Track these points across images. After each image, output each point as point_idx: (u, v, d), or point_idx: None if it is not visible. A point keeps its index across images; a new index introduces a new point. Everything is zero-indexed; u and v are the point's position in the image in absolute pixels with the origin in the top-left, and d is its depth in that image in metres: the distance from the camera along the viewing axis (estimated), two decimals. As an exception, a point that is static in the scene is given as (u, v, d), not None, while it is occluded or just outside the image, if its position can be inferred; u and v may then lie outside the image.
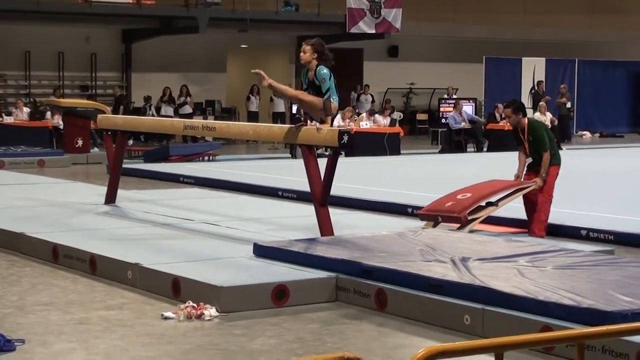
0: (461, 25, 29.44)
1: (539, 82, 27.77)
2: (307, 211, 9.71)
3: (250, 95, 26.92)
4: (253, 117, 26.26)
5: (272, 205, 11.96)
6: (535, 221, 9.78)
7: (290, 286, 7.09)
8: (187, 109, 24.99)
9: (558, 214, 10.15)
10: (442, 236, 8.58)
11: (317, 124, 8.70)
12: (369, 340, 6.31)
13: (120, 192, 11.61)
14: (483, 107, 27.27)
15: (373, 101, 28.25)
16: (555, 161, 9.93)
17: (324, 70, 8.56)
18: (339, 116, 21.11)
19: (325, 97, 8.58)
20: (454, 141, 22.98)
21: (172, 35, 26.01)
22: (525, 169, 9.99)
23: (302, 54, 8.67)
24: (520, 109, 9.99)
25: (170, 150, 19.84)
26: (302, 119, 8.81)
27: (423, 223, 10.02)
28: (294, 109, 23.49)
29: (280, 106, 25.82)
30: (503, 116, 23.43)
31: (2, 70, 25.04)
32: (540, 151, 9.80)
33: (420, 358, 3.19)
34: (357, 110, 24.06)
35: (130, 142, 21.40)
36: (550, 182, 9.83)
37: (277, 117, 25.43)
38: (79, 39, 25.72)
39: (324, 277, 7.29)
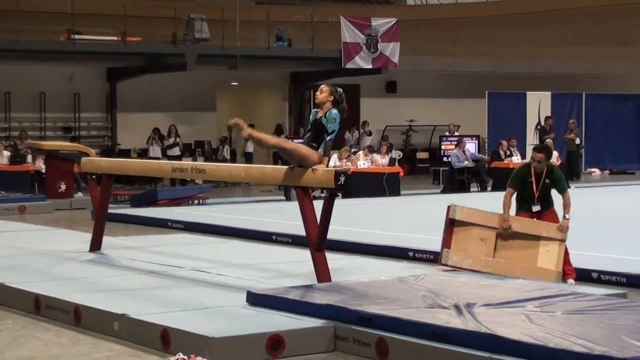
0: (462, 58, 29.58)
1: (547, 118, 27.80)
2: (303, 256, 9.70)
3: None
4: (247, 158, 26.32)
5: (265, 250, 11.94)
6: (565, 264, 9.82)
7: (285, 336, 7.07)
8: (176, 151, 25.03)
9: (567, 256, 10.15)
10: (445, 281, 8.57)
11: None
12: (370, 393, 6.28)
13: (106, 239, 11.60)
14: (486, 144, 27.34)
15: (370, 134, 28.30)
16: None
17: (335, 111, 8.76)
18: (335, 156, 21.14)
19: (329, 137, 8.71)
20: (457, 180, 23.01)
21: (159, 73, 26.12)
22: (519, 210, 10.11)
23: (318, 92, 8.90)
24: (550, 155, 10.23)
25: (158, 194, 19.83)
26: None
27: (424, 267, 10.05)
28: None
29: None
30: (508, 154, 23.68)
31: (-19, 112, 25.12)
32: (559, 193, 9.93)
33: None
34: (353, 150, 24.06)
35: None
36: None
37: (279, 158, 25.37)
38: (62, 78, 25.81)
39: (322, 326, 7.27)
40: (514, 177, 10.16)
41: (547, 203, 10.05)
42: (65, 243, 12.25)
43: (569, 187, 10.18)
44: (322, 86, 8.94)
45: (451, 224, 9.99)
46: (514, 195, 10.10)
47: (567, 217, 9.80)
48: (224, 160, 25.44)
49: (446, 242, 9.98)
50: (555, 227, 9.81)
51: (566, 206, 9.84)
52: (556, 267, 9.72)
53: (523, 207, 10.15)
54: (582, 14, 31.56)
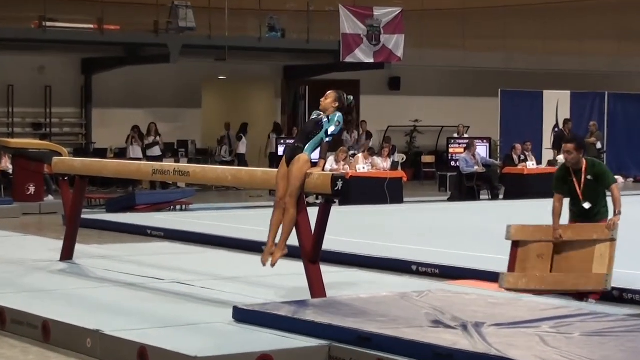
0: (472, 53, 29.59)
1: (566, 121, 27.79)
2: (296, 269, 9.70)
3: (241, 135, 26.97)
4: (240, 160, 26.31)
5: (254, 261, 11.92)
6: None
7: (275, 356, 7.07)
8: (156, 151, 25.01)
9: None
10: (452, 298, 8.57)
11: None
12: (368, 420, 6.28)
13: (79, 247, 11.60)
14: (499, 148, 27.35)
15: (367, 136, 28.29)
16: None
17: (340, 114, 8.88)
18: (332, 158, 21.16)
19: (326, 140, 8.78)
20: (465, 187, 23.02)
21: (139, 65, 26.11)
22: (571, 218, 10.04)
23: (323, 98, 9.03)
24: (583, 146, 10.09)
25: (136, 198, 19.84)
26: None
27: (429, 283, 10.05)
28: (280, 150, 23.56)
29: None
30: (522, 158, 23.68)
31: (-58, 106, 25.11)
32: (605, 189, 9.84)
33: None
34: (352, 152, 24.10)
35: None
36: None
37: (274, 160, 25.34)
38: (32, 70, 25.80)
39: (315, 346, 7.27)
40: (556, 180, 10.01)
41: (596, 209, 9.86)
42: (34, 251, 12.25)
43: (616, 180, 10.05)
44: (328, 92, 9.06)
45: (515, 246, 9.97)
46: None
47: (617, 212, 9.64)
48: (223, 162, 25.42)
49: (510, 265, 9.97)
50: (604, 226, 9.74)
51: (615, 201, 9.69)
52: (607, 270, 9.61)
53: (573, 214, 9.99)
54: (604, 5, 31.56)
